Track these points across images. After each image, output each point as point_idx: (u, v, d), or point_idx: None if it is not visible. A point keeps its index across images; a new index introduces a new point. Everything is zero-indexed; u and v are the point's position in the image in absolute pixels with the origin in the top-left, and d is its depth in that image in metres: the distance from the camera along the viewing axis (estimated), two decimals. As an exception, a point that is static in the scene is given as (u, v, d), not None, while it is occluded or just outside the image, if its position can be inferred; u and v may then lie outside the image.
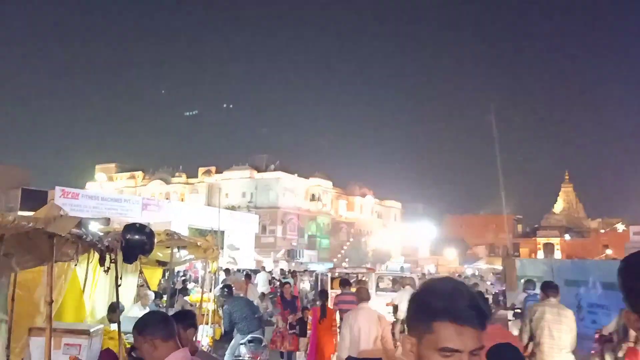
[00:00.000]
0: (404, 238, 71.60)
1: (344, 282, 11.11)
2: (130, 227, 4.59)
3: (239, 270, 18.33)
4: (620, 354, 6.62)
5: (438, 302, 1.25)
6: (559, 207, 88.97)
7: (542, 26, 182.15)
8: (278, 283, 16.58)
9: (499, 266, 32.28)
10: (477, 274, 36.48)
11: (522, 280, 13.46)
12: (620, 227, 76.26)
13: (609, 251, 61.31)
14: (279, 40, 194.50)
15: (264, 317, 11.27)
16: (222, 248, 27.75)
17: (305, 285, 19.97)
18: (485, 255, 67.44)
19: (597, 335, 7.69)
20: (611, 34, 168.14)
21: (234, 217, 31.28)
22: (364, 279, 14.99)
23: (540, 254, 70.59)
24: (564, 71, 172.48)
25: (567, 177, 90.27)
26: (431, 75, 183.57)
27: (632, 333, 5.82)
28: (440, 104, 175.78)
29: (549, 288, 6.25)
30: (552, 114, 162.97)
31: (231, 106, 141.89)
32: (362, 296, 6.44)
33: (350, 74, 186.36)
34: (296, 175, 62.14)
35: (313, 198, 63.64)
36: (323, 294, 9.59)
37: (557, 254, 69.46)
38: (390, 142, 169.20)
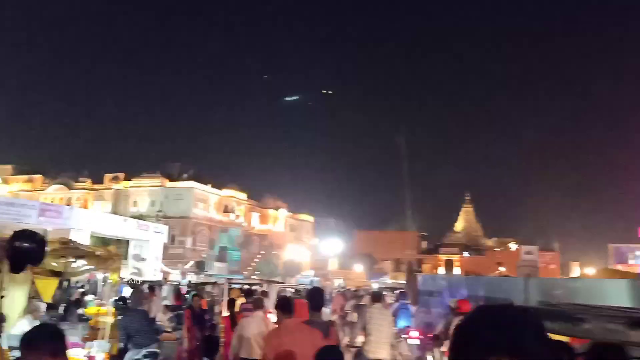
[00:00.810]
0: (315, 252, 72.16)
1: (248, 293, 11.72)
2: (19, 234, 4.23)
3: (143, 282, 17.51)
4: (443, 349, 8.74)
5: (496, 336, 0.98)
6: (459, 225, 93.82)
7: (447, 50, 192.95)
8: (188, 296, 16.06)
9: (403, 281, 33.23)
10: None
11: (397, 292, 15.77)
12: (513, 246, 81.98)
13: (502, 268, 65.53)
14: (191, 42, 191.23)
15: (160, 330, 10.73)
16: (127, 258, 26.52)
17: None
18: (391, 270, 69.46)
19: (430, 335, 10.29)
20: (505, 66, 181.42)
21: (141, 227, 29.97)
22: (265, 289, 15.61)
23: (442, 270, 73.63)
24: (470, 96, 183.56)
25: (467, 198, 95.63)
26: (344, 92, 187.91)
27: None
28: (352, 122, 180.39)
29: (375, 297, 9.09)
30: (458, 137, 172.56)
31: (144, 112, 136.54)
32: (257, 305, 7.37)
33: (267, 90, 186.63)
34: (210, 185, 60.87)
35: (226, 209, 62.56)
36: (231, 303, 9.66)
37: (457, 270, 72.54)
38: (306, 157, 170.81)
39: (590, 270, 55.08)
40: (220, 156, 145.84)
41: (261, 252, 59.54)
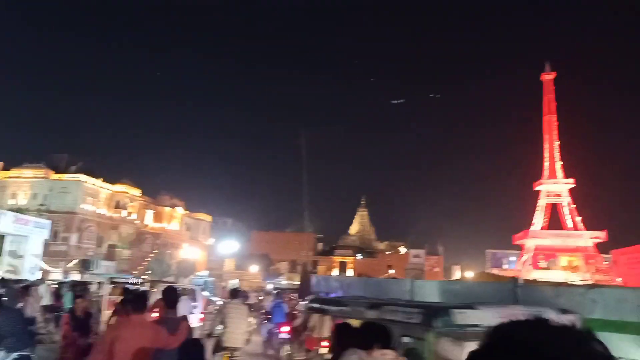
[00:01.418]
0: (211, 252, 70.80)
1: (127, 292, 11.25)
2: None
3: (17, 281, 16.05)
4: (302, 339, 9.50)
5: None
6: (354, 229, 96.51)
7: (350, 55, 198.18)
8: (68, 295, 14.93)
9: (298, 282, 33.53)
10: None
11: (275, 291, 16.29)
12: (402, 250, 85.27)
13: (392, 271, 67.14)
14: (93, 31, 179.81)
15: (35, 333, 9.79)
16: (1, 255, 24.32)
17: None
18: (287, 271, 69.89)
19: (290, 327, 11.54)
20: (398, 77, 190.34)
21: (19, 221, 27.53)
22: (146, 289, 15.10)
23: (336, 272, 75.07)
24: (370, 101, 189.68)
25: (363, 202, 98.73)
26: (247, 93, 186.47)
27: (310, 325, 8.47)
28: (253, 123, 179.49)
29: (233, 293, 9.84)
30: (357, 141, 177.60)
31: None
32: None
33: (166, 84, 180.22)
34: (101, 180, 57.38)
35: (118, 205, 59.32)
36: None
37: (350, 272, 74.20)
38: (206, 156, 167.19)
39: (470, 274, 59.02)
40: (115, 150, 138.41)
41: (154, 251, 57.18)
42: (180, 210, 67.35)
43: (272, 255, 77.16)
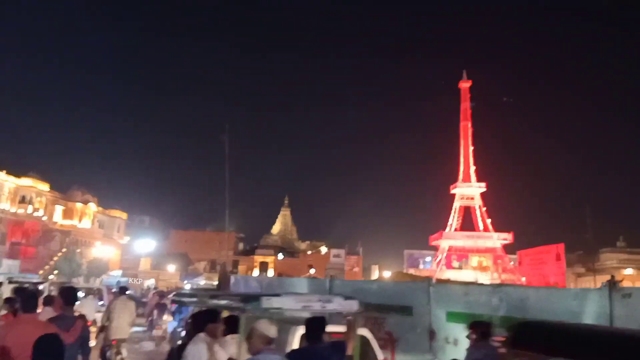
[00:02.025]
0: (126, 251, 67.99)
1: (17, 292, 11.01)
2: None
3: None
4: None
5: None
6: (277, 228, 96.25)
7: (279, 53, 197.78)
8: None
9: (217, 282, 32.85)
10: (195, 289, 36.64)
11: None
12: (323, 249, 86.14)
13: (312, 270, 67.60)
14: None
15: None
16: None
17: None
18: (207, 270, 68.44)
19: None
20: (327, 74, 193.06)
21: None
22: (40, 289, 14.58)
23: (257, 272, 74.80)
24: (295, 101, 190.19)
25: (286, 202, 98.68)
26: (166, 83, 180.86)
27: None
28: (172, 117, 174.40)
29: (121, 290, 10.99)
30: (283, 139, 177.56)
31: None
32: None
33: (80, 74, 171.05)
34: (4, 172, 53.31)
35: (23, 200, 55.37)
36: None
37: (271, 272, 74.29)
38: (120, 149, 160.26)
39: (387, 273, 59.91)
40: (21, 141, 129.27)
41: (63, 249, 53.92)
42: (92, 207, 63.99)
43: (191, 254, 75.32)
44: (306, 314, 4.90)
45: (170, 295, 15.26)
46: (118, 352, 9.77)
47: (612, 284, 5.21)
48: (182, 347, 4.78)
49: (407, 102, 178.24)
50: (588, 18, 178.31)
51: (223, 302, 5.30)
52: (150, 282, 46.08)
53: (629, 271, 67.22)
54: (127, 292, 11.24)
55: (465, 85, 75.43)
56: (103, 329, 9.94)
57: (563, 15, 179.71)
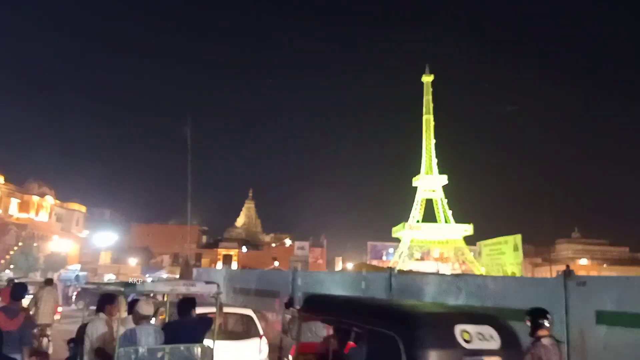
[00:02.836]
0: (85, 244, 66.27)
1: None
2: None
3: None
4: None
5: None
6: (241, 221, 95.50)
7: (242, 46, 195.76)
8: None
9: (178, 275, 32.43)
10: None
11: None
12: (288, 242, 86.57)
13: (277, 263, 68.26)
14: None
15: None
16: None
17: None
18: (169, 264, 67.43)
19: None
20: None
21: None
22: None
23: (220, 265, 73.66)
24: (259, 93, 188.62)
25: (250, 195, 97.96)
26: (126, 77, 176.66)
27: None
28: (135, 108, 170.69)
29: (46, 282, 12.78)
30: (246, 131, 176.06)
31: None
32: None
33: (36, 62, 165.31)
34: (-45, 164, 51.01)
35: (-25, 193, 53.18)
36: None
37: (235, 265, 73.73)
38: (79, 141, 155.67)
39: (350, 265, 60.14)
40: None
41: (19, 243, 52.09)
42: (50, 200, 62.04)
43: (153, 248, 74.04)
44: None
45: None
46: (43, 335, 10.83)
47: (567, 273, 5.33)
48: (85, 326, 5.75)
49: (371, 96, 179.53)
50: (546, 13, 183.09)
51: (112, 287, 6.33)
52: (110, 277, 45.04)
53: (583, 261, 70.08)
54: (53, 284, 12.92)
55: (427, 79, 76.21)
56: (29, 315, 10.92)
57: (522, 11, 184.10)
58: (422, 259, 75.27)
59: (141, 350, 5.05)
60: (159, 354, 5.17)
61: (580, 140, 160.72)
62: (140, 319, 5.32)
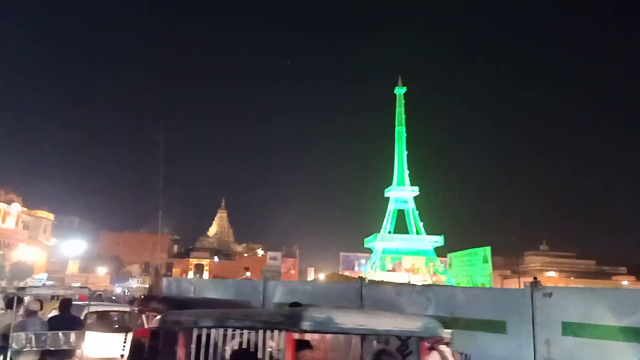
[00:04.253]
0: (53, 253, 64.41)
1: None
2: None
3: None
4: None
5: None
6: (213, 230, 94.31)
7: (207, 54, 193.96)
8: None
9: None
10: (127, 292, 35.39)
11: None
12: (260, 252, 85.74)
13: (248, 273, 67.81)
14: None
15: None
16: None
17: None
18: (139, 273, 66.12)
19: None
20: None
21: None
22: None
23: (191, 274, 73.08)
24: (231, 100, 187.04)
25: (223, 204, 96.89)
26: (103, 83, 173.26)
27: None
28: (105, 113, 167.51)
29: None
30: (220, 139, 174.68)
31: None
32: None
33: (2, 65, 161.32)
34: None
35: (-62, 199, 51.30)
36: None
37: (206, 275, 73.33)
38: (48, 147, 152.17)
39: (323, 275, 60.10)
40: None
41: (-17, 251, 50.41)
42: (17, 207, 60.20)
43: (123, 257, 72.84)
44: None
45: None
46: None
47: (534, 284, 5.38)
48: None
49: (344, 107, 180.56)
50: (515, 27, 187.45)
51: (10, 291, 8.26)
52: (41, 276, 43.77)
53: (551, 273, 70.96)
54: None
55: (400, 91, 76.88)
56: None
57: (490, 25, 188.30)
58: (393, 269, 75.11)
59: (30, 335, 7.20)
60: (43, 338, 7.33)
61: (551, 151, 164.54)
62: (28, 313, 7.61)
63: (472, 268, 66.89)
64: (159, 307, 6.21)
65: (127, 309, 11.43)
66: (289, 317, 3.23)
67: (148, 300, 7.17)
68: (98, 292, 26.13)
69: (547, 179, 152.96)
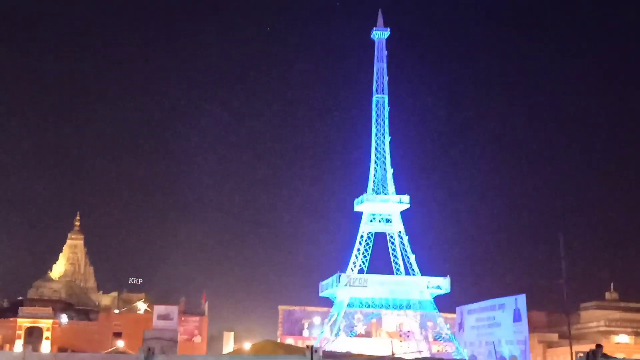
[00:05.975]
0: None
1: None
2: None
3: None
4: None
5: None
6: (60, 269, 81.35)
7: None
8: None
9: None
10: None
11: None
12: (141, 306, 72.14)
13: (120, 342, 59.98)
14: None
15: None
16: None
17: None
18: None
19: None
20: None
21: None
22: None
23: (20, 345, 61.12)
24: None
25: (77, 224, 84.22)
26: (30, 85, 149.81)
27: None
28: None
29: None
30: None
31: None
32: None
33: None
34: None
35: None
36: None
37: (47, 344, 62.54)
38: None
39: (248, 345, 47.74)
40: None
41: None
42: None
43: None
44: None
45: None
46: None
47: (595, 356, 4.71)
48: None
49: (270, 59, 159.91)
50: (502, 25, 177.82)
51: None
52: None
53: (623, 338, 59.27)
54: None
55: (380, 35, 61.21)
56: None
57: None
58: (368, 334, 63.52)
59: None
60: None
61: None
62: None
63: (497, 330, 48.83)
64: None
65: None
66: None
67: None
68: None
69: (612, 193, 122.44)
